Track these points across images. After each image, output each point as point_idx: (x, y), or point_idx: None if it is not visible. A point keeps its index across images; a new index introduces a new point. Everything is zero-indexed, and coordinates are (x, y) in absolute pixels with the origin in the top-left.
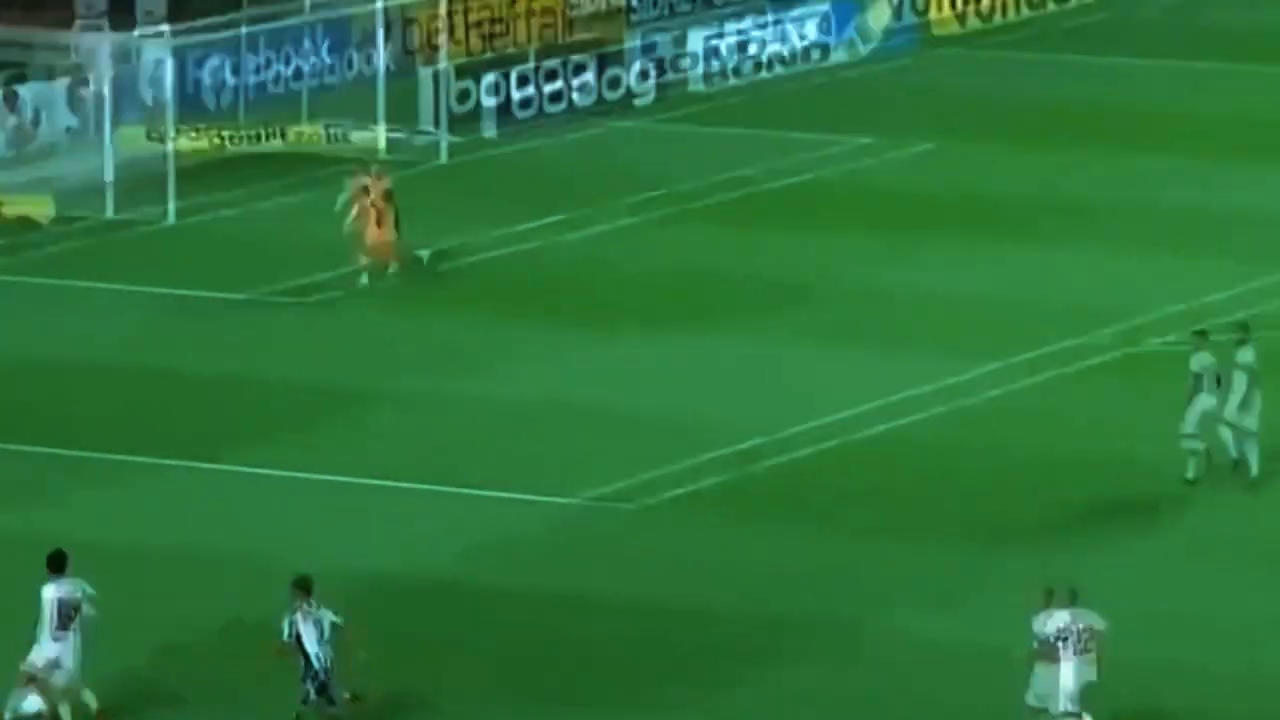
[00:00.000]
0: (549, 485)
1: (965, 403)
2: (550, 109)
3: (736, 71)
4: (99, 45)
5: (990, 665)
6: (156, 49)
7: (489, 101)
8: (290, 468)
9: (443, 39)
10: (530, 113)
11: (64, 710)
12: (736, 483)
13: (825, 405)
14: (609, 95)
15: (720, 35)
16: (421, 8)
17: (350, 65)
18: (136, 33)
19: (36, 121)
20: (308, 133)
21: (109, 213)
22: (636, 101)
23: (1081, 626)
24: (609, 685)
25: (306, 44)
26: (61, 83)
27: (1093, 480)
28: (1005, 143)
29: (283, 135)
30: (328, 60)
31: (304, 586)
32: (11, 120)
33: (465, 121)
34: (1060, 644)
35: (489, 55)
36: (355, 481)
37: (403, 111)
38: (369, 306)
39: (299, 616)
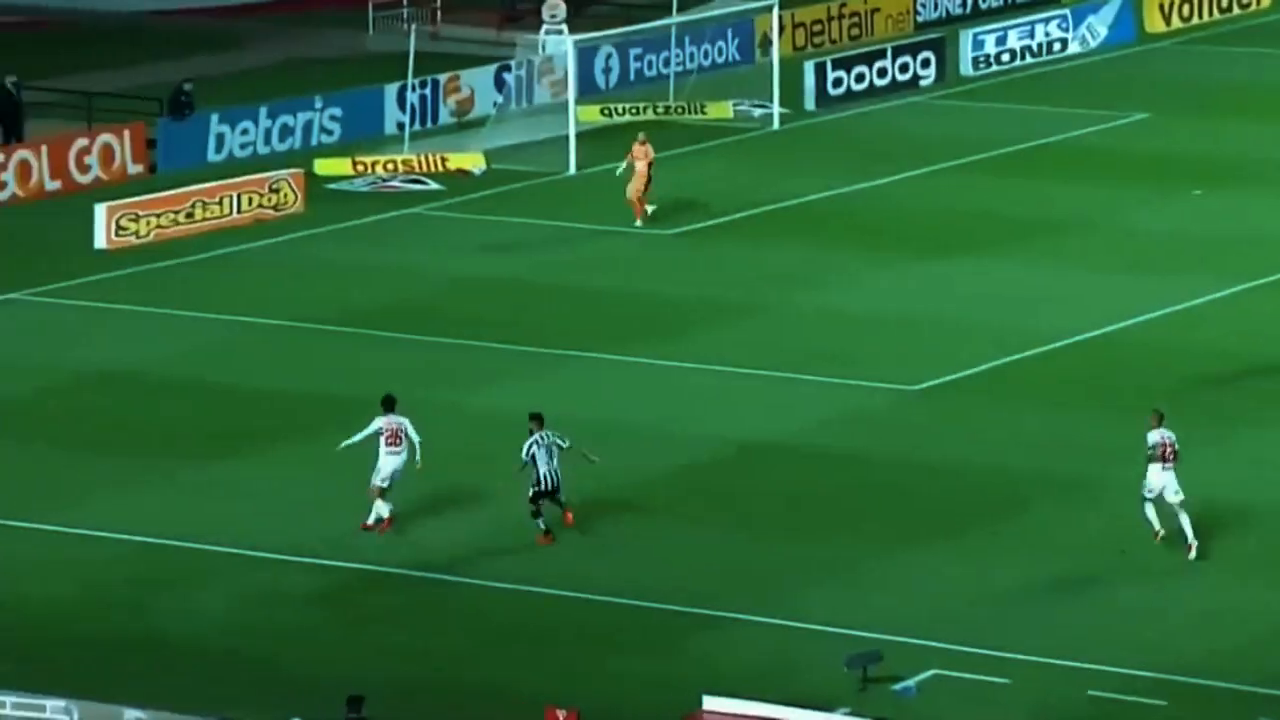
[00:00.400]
0: (871, 372)
1: (1182, 309)
2: (855, 88)
3: (997, 60)
4: (562, 44)
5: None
6: (606, 46)
7: (809, 83)
8: (675, 359)
9: (775, 36)
10: (840, 91)
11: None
12: (1003, 371)
13: (1075, 313)
14: (900, 78)
15: (984, 33)
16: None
17: (719, 56)
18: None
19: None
20: (716, 106)
21: (571, 169)
22: (921, 83)
23: (1168, 441)
24: (914, 524)
25: (718, 40)
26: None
27: None
28: (1204, 114)
29: (702, 110)
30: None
31: (538, 418)
32: (498, 98)
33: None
34: (1155, 453)
35: (809, 50)
36: (724, 370)
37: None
38: (726, 238)
39: (535, 443)
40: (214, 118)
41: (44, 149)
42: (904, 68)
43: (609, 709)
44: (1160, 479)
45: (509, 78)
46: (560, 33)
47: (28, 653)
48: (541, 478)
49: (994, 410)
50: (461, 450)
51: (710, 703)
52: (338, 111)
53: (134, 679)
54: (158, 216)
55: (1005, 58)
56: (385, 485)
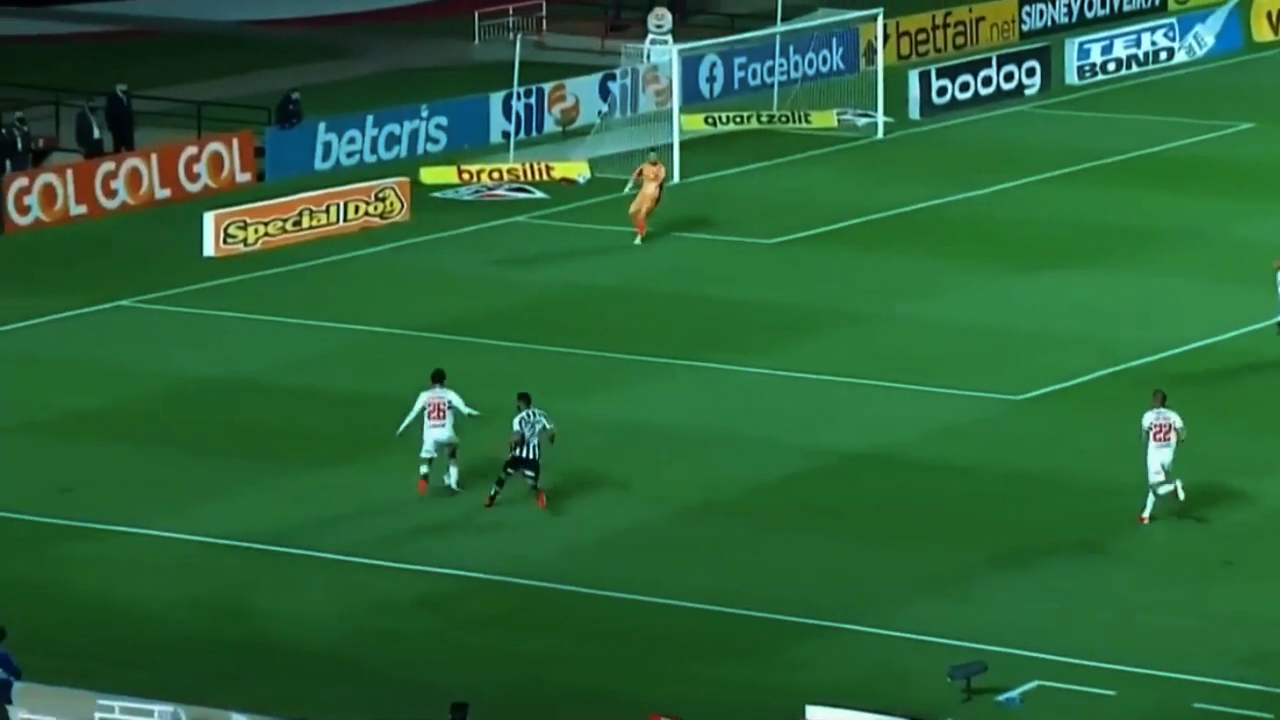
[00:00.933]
0: (975, 383)
1: None
2: (960, 97)
3: (1103, 69)
4: (666, 53)
5: None
6: (711, 55)
7: (914, 92)
8: (777, 368)
9: (879, 45)
10: (945, 100)
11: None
12: (1108, 382)
13: (1180, 323)
14: (1005, 87)
15: (1089, 42)
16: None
17: (823, 65)
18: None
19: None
20: (820, 115)
21: (674, 178)
22: (1026, 92)
23: (1161, 423)
24: (1018, 534)
25: (817, 49)
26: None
27: None
28: None
29: (807, 119)
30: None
31: (525, 398)
32: (602, 106)
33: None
34: (1149, 434)
35: (914, 58)
36: (826, 379)
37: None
38: (829, 247)
39: (523, 419)
40: (321, 126)
41: (154, 157)
42: (1009, 76)
43: (712, 717)
44: (1155, 456)
45: (614, 86)
46: (666, 42)
47: (135, 657)
48: (529, 448)
49: (1098, 421)
50: (562, 459)
51: (814, 713)
52: (443, 120)
53: (239, 683)
54: (265, 224)
55: (1111, 67)
56: (430, 457)
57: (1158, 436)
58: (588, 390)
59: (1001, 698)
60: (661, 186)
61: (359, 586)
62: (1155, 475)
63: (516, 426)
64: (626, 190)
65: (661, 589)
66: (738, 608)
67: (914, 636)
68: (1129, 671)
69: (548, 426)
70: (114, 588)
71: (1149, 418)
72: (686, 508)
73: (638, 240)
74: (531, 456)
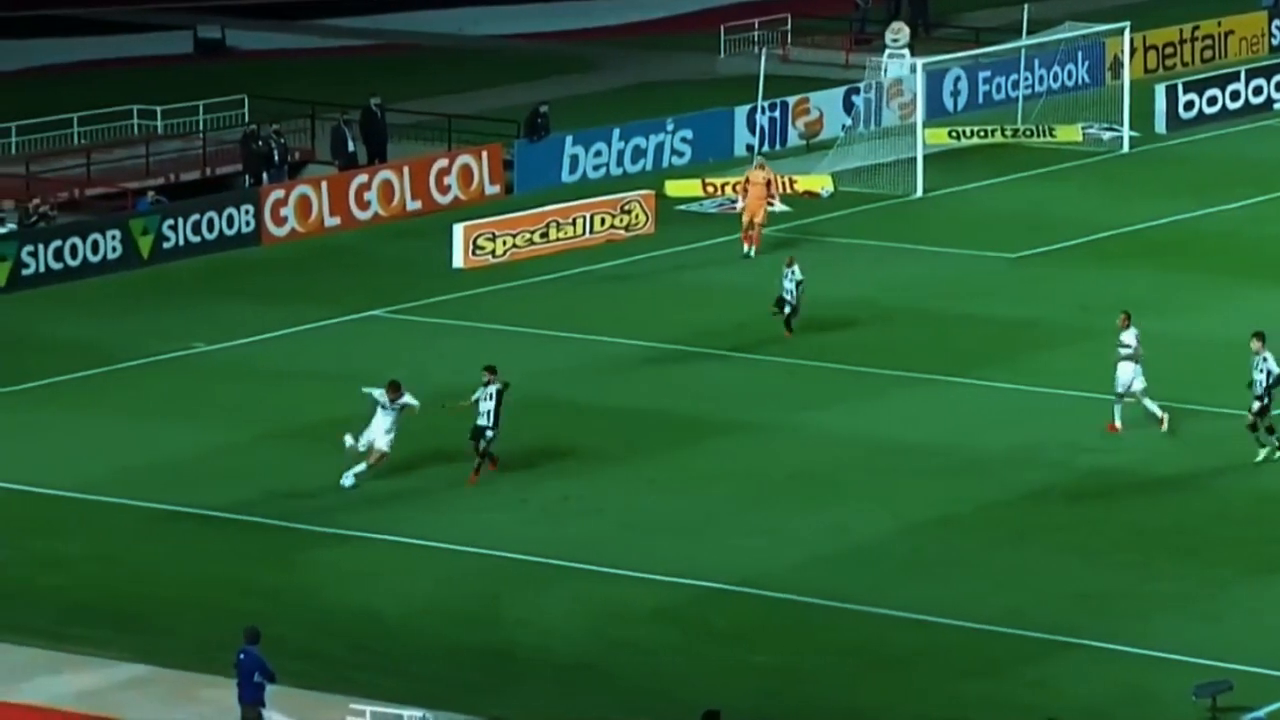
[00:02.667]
0: (1217, 399)
1: None
2: (1207, 111)
3: None
4: (902, 67)
5: None
6: (955, 69)
7: (1160, 105)
8: (1020, 383)
9: (1126, 58)
10: (1192, 115)
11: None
12: None
13: None
14: (1254, 101)
15: None
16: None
17: (1068, 79)
18: (937, 58)
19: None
20: (1065, 129)
21: (918, 192)
22: (1275, 106)
23: (1130, 340)
24: (1264, 552)
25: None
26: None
27: None
28: None
29: (1051, 133)
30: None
31: (491, 369)
32: (846, 120)
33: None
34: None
35: (1160, 72)
36: (1069, 394)
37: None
38: (1073, 262)
39: (482, 389)
40: (568, 139)
41: (406, 170)
42: (1258, 91)
43: None
44: (1126, 373)
45: (857, 100)
46: (903, 56)
47: (386, 663)
48: (481, 416)
49: None
50: (803, 470)
51: None
52: (688, 133)
53: (485, 691)
54: (513, 236)
55: None
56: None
57: (1129, 358)
58: (828, 403)
59: (1248, 717)
60: (768, 185)
61: (602, 595)
62: (1139, 384)
63: (475, 395)
64: (737, 207)
65: (901, 603)
66: (981, 623)
67: (1158, 654)
68: None
69: (494, 396)
70: (365, 595)
71: (1123, 337)
72: (925, 521)
73: (751, 253)
74: (489, 422)
